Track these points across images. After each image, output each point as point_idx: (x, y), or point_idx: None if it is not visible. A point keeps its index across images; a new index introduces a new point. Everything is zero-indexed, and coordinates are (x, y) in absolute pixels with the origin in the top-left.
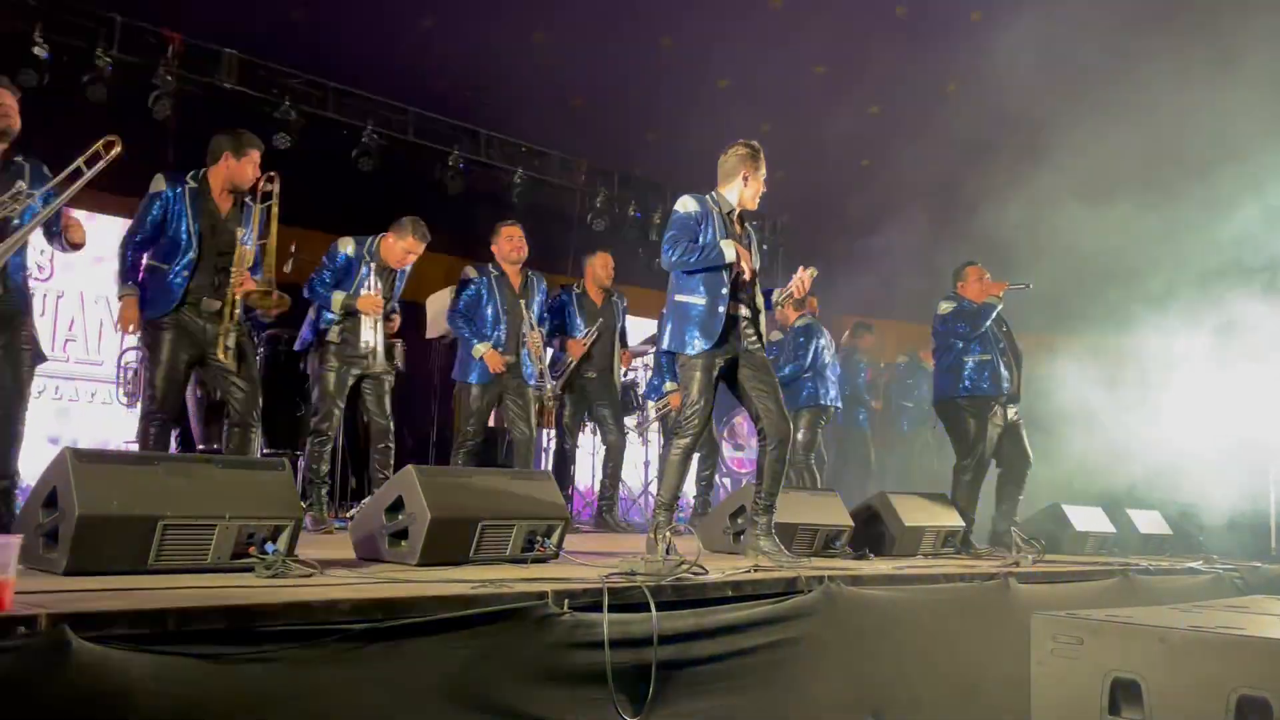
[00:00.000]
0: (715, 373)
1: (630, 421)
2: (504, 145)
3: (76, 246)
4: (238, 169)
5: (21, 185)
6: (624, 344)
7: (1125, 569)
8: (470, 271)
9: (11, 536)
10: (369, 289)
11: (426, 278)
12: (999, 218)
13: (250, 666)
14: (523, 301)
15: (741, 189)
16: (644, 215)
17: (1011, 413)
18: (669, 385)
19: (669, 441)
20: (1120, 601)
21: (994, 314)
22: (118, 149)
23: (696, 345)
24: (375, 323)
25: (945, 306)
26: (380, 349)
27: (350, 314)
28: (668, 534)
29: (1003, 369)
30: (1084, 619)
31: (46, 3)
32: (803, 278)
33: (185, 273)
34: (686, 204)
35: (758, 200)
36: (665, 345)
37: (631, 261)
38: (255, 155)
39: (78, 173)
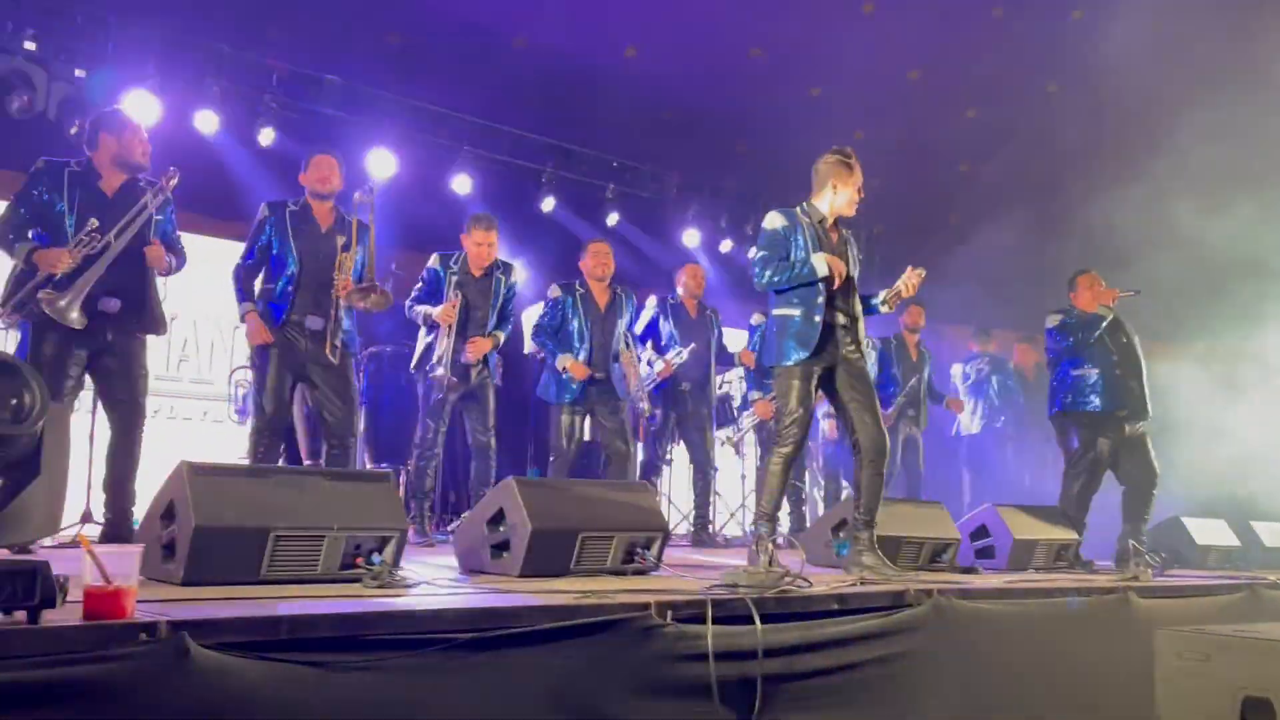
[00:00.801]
0: (814, 381)
1: (724, 434)
2: (596, 161)
3: (164, 273)
4: (308, 179)
5: (94, 220)
6: (720, 360)
7: (1252, 583)
8: (556, 290)
9: (133, 546)
10: (448, 300)
11: (521, 294)
12: (1108, 219)
13: (358, 675)
14: (612, 318)
15: (832, 197)
16: (736, 227)
17: (1132, 427)
18: (755, 395)
19: (766, 452)
20: (1247, 617)
21: (1102, 325)
22: (174, 181)
23: (794, 356)
24: (450, 328)
25: (1052, 320)
26: (449, 360)
27: (437, 327)
28: (770, 546)
29: (1117, 382)
30: (1212, 634)
31: (157, 39)
32: (910, 278)
33: (289, 289)
34: (774, 220)
35: (854, 207)
36: (765, 361)
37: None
38: (317, 159)
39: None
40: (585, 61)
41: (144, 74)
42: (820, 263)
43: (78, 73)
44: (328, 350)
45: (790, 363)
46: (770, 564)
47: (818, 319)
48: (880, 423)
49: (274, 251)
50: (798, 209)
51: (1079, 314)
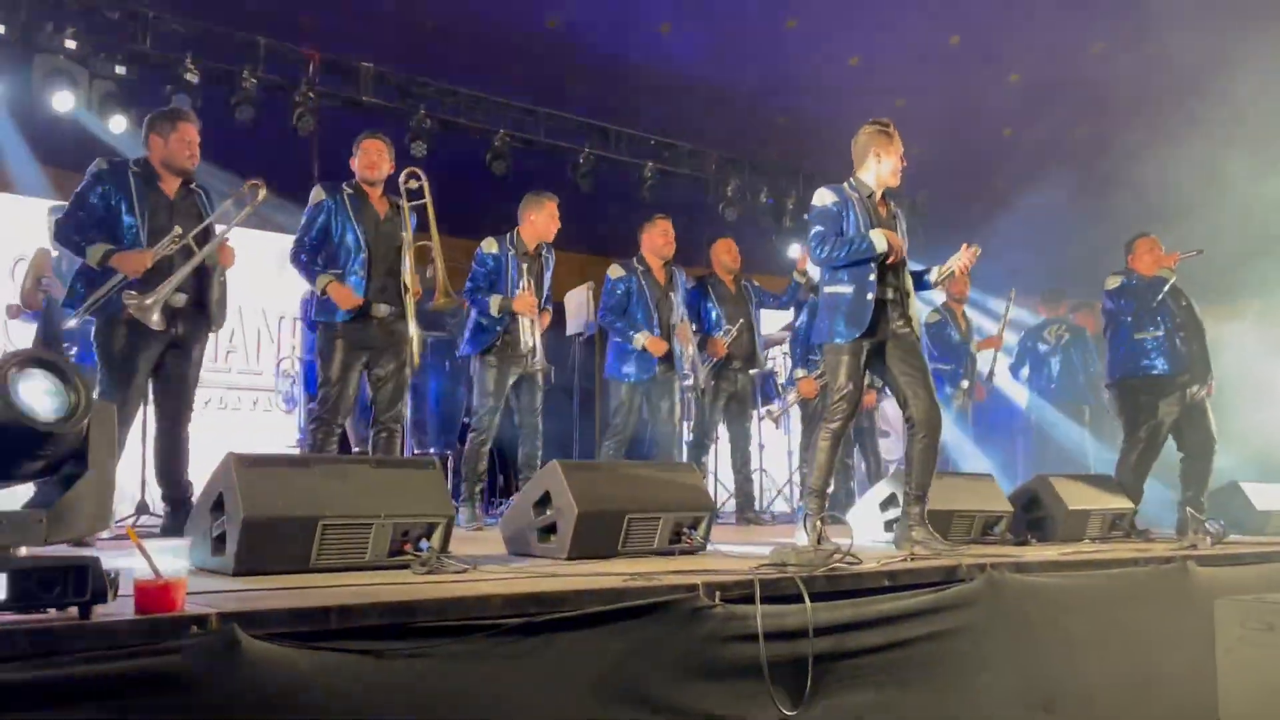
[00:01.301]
0: (863, 357)
1: (767, 409)
2: (633, 140)
3: (225, 268)
4: (358, 164)
5: (178, 229)
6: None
7: None
8: (617, 270)
9: (179, 540)
10: (522, 289)
11: (561, 275)
12: (1159, 179)
13: (408, 661)
14: (670, 295)
15: (876, 168)
16: (776, 201)
17: (1193, 392)
18: (800, 372)
19: (810, 429)
20: None
21: (1165, 288)
22: (263, 193)
23: (845, 333)
24: (532, 323)
25: (1112, 282)
26: (539, 348)
27: (507, 315)
28: (819, 523)
29: (1180, 345)
30: (1275, 603)
31: (197, 30)
32: (964, 257)
33: (361, 272)
34: (824, 196)
35: (898, 176)
36: (814, 339)
37: (766, 249)
38: (366, 143)
39: (227, 215)
40: (620, 39)
41: (182, 68)
42: (879, 238)
43: (119, 69)
44: (416, 355)
45: (841, 340)
46: (819, 542)
47: (870, 296)
48: (934, 396)
49: (336, 237)
50: (845, 185)
51: (1139, 277)
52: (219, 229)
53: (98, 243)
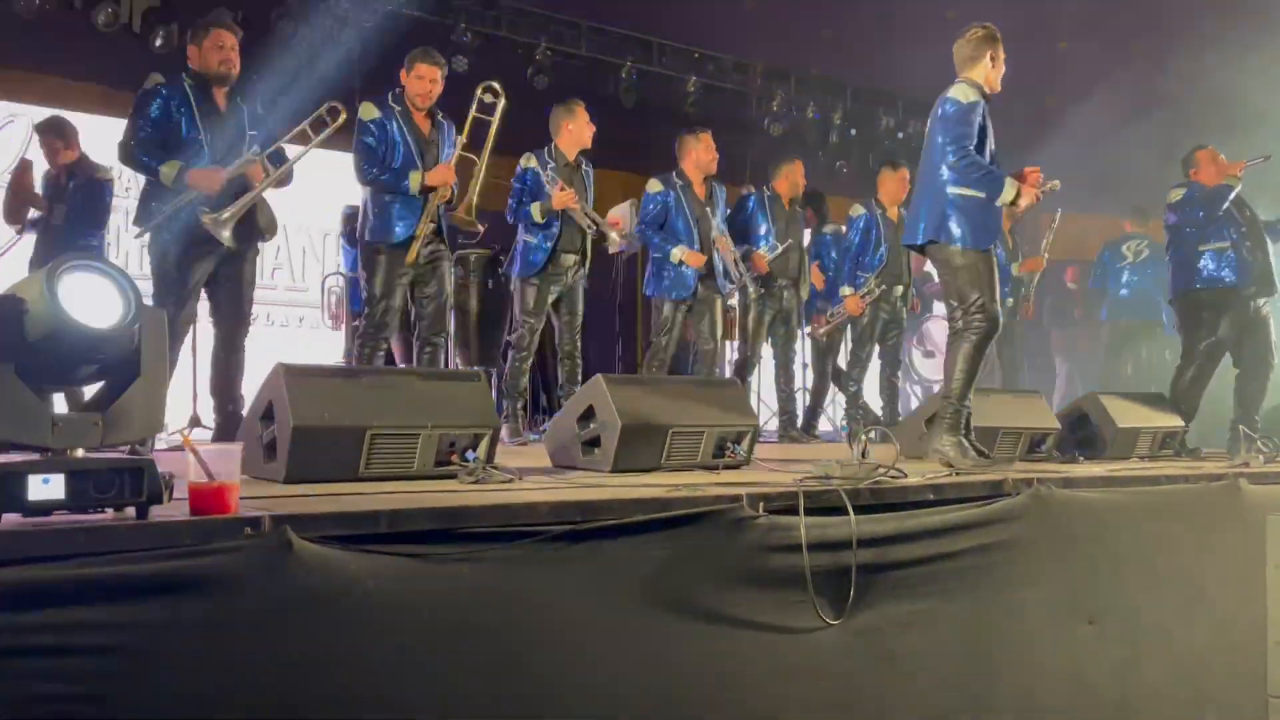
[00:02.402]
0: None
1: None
2: (677, 53)
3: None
4: (411, 82)
5: (256, 149)
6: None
7: None
8: (655, 184)
9: (234, 445)
10: (560, 187)
11: (602, 192)
12: (1221, 91)
13: (457, 565)
14: (709, 211)
15: (989, 71)
16: (823, 116)
17: (1257, 306)
18: (846, 290)
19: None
20: None
21: (1230, 196)
22: (343, 117)
23: (976, 240)
24: (583, 213)
25: (1175, 194)
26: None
27: (552, 222)
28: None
29: (1246, 256)
30: None
31: None
32: (1044, 186)
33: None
34: (966, 92)
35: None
36: (928, 238)
37: (812, 165)
38: (421, 68)
39: (304, 136)
40: None
41: None
42: (1010, 189)
43: None
44: (411, 255)
45: (972, 247)
46: (864, 456)
47: (998, 204)
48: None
49: (388, 158)
50: (968, 84)
51: (1202, 188)
52: (292, 151)
53: (168, 160)
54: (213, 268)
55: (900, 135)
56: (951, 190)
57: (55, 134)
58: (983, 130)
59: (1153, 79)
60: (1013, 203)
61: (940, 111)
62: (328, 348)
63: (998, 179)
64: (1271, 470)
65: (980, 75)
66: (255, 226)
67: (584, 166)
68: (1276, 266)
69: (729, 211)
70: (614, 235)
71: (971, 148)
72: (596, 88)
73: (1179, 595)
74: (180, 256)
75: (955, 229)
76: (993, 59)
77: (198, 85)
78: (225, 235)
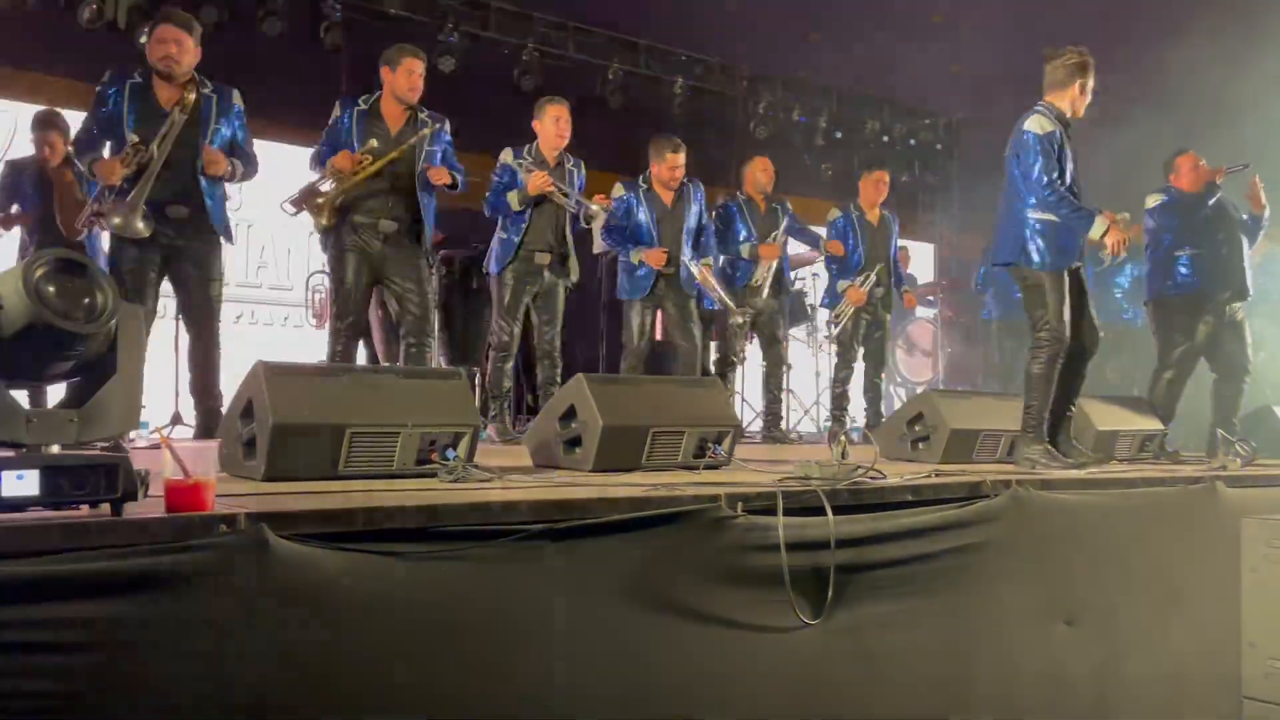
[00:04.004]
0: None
1: (800, 333)
2: (663, 55)
3: (229, 180)
4: (395, 81)
5: (134, 137)
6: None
7: None
8: (619, 189)
9: (210, 442)
10: (533, 174)
11: (591, 192)
12: (1202, 91)
13: (435, 564)
14: (679, 210)
15: (1076, 99)
16: (809, 120)
17: (1232, 311)
18: (844, 283)
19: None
20: None
21: (1209, 204)
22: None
23: (1054, 262)
24: (549, 230)
25: (1153, 199)
26: (580, 201)
27: (527, 209)
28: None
29: (1221, 262)
30: None
31: None
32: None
33: (368, 192)
34: (1042, 123)
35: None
36: (1008, 260)
37: (797, 169)
38: (409, 63)
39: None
40: None
41: None
42: (1099, 226)
43: None
44: (400, 250)
45: (1049, 269)
46: (843, 457)
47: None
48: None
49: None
50: (1056, 113)
51: (1181, 193)
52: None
53: (94, 153)
54: (163, 260)
55: (885, 139)
56: (1031, 215)
57: (52, 128)
58: (1060, 155)
59: (1150, 81)
60: (1100, 238)
61: (1017, 140)
62: (311, 346)
63: (1088, 216)
64: (1248, 473)
65: (1065, 102)
66: (210, 222)
67: (568, 165)
68: (1250, 269)
69: (717, 225)
70: (595, 207)
71: (1056, 178)
72: (583, 89)
73: (1156, 596)
74: (126, 254)
75: (1034, 253)
76: (1081, 88)
77: (144, 81)
78: (138, 227)
